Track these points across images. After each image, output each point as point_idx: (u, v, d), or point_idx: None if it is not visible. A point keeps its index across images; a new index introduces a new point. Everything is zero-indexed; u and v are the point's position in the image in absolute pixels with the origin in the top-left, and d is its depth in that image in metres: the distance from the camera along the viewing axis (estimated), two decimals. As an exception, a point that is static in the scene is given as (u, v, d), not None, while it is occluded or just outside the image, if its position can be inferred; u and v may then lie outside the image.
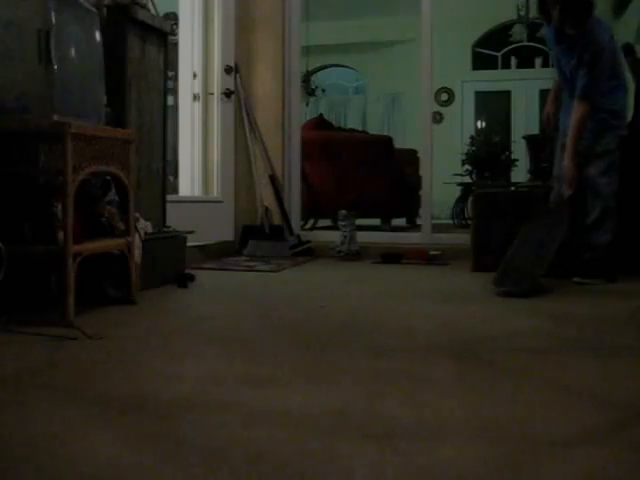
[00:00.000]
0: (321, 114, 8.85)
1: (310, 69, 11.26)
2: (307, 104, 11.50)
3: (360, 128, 11.84)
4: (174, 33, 4.33)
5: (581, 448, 1.38)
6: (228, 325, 2.70)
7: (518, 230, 3.88)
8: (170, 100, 4.52)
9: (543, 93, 11.55)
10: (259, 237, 5.19)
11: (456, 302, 3.29)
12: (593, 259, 3.83)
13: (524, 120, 11.47)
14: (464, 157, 9.40)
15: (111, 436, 1.42)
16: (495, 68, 11.93)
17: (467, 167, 9.28)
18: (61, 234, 2.55)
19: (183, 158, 5.05)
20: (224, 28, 5.11)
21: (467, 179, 9.25)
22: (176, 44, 4.80)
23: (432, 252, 4.88)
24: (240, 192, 5.32)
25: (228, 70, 5.14)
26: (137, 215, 3.18)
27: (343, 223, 5.07)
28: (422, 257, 4.84)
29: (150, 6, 3.74)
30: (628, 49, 4.84)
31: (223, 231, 5.11)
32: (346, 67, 13.31)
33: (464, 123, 11.74)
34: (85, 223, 2.85)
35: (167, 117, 3.85)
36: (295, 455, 1.33)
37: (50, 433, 1.44)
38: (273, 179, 5.40)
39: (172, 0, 4.86)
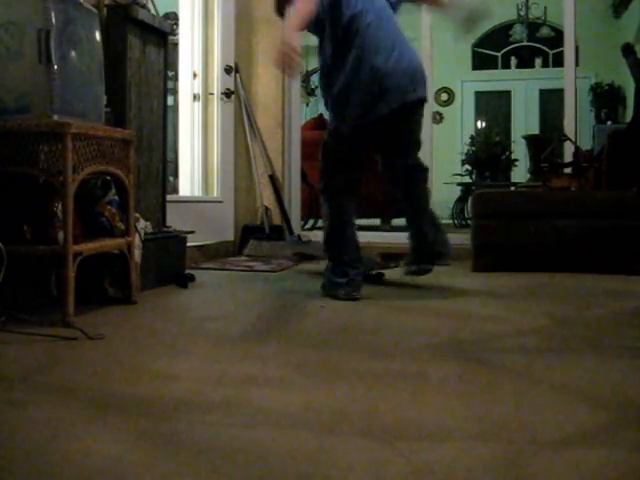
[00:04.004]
0: (321, 114, 8.84)
1: (310, 69, 11.26)
2: (307, 104, 11.50)
3: (360, 128, 11.81)
4: (174, 33, 4.33)
5: (581, 448, 1.38)
6: (228, 325, 2.70)
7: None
8: (170, 100, 4.52)
9: (543, 93, 11.57)
10: (259, 237, 5.19)
11: (456, 302, 3.30)
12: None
13: (524, 120, 11.47)
14: (464, 157, 9.40)
15: (111, 436, 1.42)
16: (495, 68, 11.93)
17: (467, 167, 9.28)
18: (61, 234, 2.55)
19: (183, 158, 5.05)
20: (224, 28, 5.11)
21: (467, 179, 9.26)
22: (176, 44, 4.80)
23: None
24: (240, 192, 5.32)
25: (228, 70, 5.14)
26: (137, 215, 3.17)
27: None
28: None
29: (150, 6, 3.74)
30: (628, 49, 4.85)
31: (223, 231, 5.11)
32: (346, 67, 13.29)
33: (464, 123, 11.75)
34: (85, 223, 2.85)
35: (167, 117, 3.85)
36: (295, 455, 1.33)
37: (49, 433, 1.44)
38: (273, 179, 5.40)
39: (172, 0, 4.86)
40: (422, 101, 3.33)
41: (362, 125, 3.24)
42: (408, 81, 3.23)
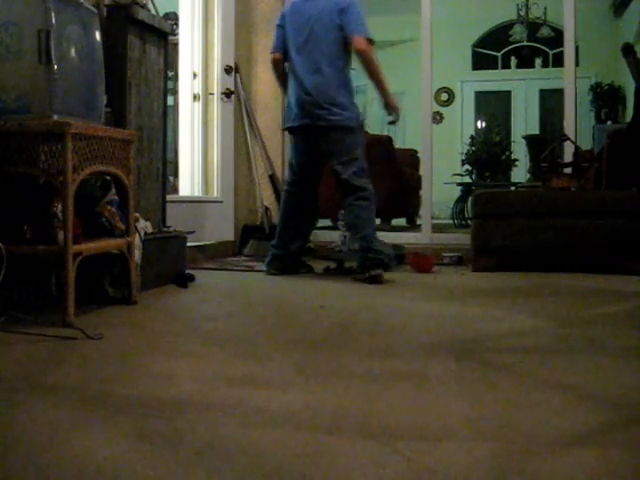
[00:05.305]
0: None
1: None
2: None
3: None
4: (174, 33, 4.33)
5: (580, 448, 1.38)
6: (228, 325, 2.70)
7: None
8: (170, 100, 4.52)
9: (543, 93, 11.57)
10: (259, 237, 5.19)
11: (456, 302, 3.30)
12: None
13: (524, 120, 11.47)
14: (464, 157, 9.39)
15: (110, 436, 1.42)
16: (495, 68, 11.93)
17: (467, 167, 9.28)
18: (61, 234, 2.55)
19: (183, 158, 5.05)
20: (224, 28, 5.11)
21: (467, 179, 9.25)
22: (176, 44, 4.80)
23: (445, 254, 4.81)
24: (240, 192, 5.32)
25: (228, 70, 5.14)
26: (137, 215, 3.18)
27: (343, 223, 5.06)
28: (425, 267, 4.39)
29: (150, 6, 3.74)
30: (628, 49, 4.84)
31: (223, 231, 5.11)
32: (346, 67, 13.28)
33: (464, 123, 11.74)
34: (85, 223, 2.84)
35: (167, 117, 3.85)
36: (295, 455, 1.33)
37: (49, 433, 1.44)
38: (273, 179, 5.40)
39: (172, 0, 4.86)
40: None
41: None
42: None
